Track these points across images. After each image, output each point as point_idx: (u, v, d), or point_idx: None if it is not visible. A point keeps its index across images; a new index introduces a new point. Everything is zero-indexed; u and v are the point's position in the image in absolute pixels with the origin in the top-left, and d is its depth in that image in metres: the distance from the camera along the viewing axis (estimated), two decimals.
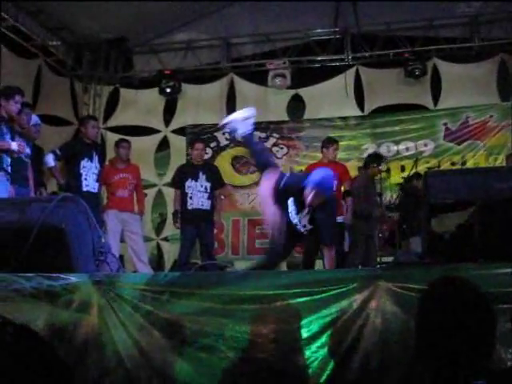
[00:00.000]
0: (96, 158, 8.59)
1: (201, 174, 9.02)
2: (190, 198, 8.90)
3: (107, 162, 9.52)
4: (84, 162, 8.42)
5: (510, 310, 3.16)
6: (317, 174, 5.78)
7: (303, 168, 10.35)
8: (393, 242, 10.06)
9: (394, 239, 10.01)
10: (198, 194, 8.91)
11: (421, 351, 2.01)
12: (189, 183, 8.95)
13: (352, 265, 8.50)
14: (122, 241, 9.08)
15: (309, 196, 5.60)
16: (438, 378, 1.93)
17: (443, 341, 1.90)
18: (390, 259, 8.96)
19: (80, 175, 8.33)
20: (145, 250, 9.32)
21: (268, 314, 3.60)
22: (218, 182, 9.21)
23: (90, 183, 8.41)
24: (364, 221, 9.05)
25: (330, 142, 9.20)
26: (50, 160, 8.28)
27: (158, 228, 11.91)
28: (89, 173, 8.42)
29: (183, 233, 8.97)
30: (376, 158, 9.72)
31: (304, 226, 5.95)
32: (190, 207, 8.88)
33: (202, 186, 8.96)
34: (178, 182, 9.20)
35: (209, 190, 8.94)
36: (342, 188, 9.04)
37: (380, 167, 9.55)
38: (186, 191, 8.92)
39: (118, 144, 9.43)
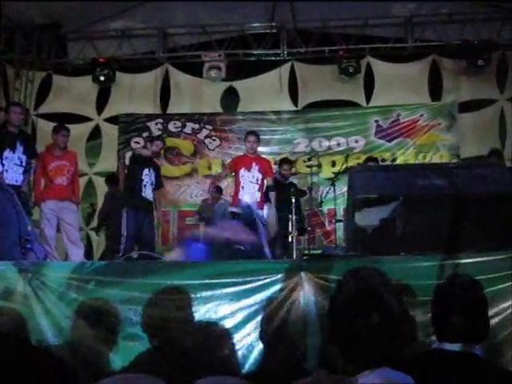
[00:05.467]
0: (21, 149, 8.16)
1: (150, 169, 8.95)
2: (145, 186, 8.81)
3: (44, 148, 9.19)
4: (6, 153, 7.98)
5: (429, 301, 3.27)
6: None
7: None
8: None
9: None
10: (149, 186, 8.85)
11: (332, 336, 2.08)
12: (146, 172, 8.85)
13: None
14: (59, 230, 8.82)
15: None
16: (348, 361, 2.00)
17: (350, 326, 1.97)
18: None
19: (2, 166, 7.86)
20: (80, 241, 9.04)
21: (194, 303, 3.63)
22: (158, 182, 9.15)
23: (10, 176, 7.92)
24: None
25: (247, 135, 9.11)
26: None
27: (88, 218, 11.72)
28: (10, 164, 7.98)
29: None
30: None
31: None
32: (143, 195, 8.79)
33: (149, 179, 8.88)
34: (133, 171, 9.05)
35: (154, 186, 8.88)
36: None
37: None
38: (143, 178, 8.83)
39: (57, 131, 8.79)
